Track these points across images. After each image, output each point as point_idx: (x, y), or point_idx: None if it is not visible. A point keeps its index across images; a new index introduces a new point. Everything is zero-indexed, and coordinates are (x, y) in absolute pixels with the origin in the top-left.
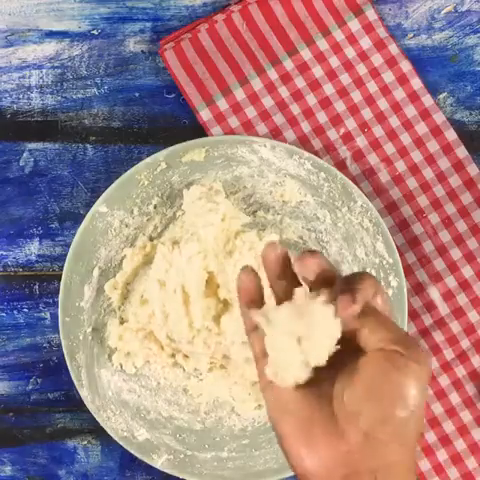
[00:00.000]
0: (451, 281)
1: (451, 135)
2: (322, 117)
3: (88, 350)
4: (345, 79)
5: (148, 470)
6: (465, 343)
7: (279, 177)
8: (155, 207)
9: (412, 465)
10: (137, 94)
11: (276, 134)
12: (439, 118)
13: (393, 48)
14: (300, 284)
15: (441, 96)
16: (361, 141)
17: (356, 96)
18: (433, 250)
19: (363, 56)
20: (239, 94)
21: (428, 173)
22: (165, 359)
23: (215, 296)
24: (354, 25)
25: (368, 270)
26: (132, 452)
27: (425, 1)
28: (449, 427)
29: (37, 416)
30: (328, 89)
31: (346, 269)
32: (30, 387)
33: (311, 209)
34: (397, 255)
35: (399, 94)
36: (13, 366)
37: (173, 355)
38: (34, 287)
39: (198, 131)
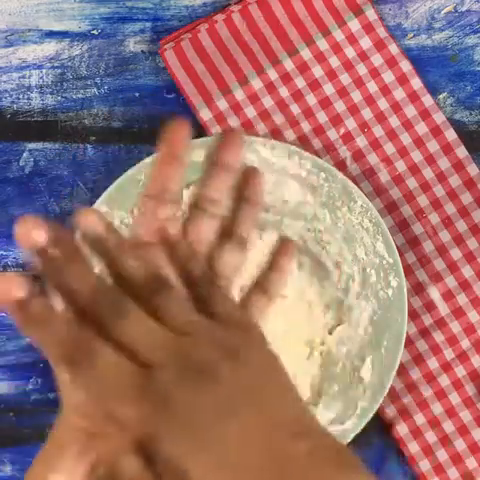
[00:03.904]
0: (451, 281)
1: (451, 135)
2: (322, 117)
3: None
4: (345, 79)
5: None
6: (465, 343)
7: (279, 177)
8: None
9: None
10: (137, 94)
11: (276, 134)
12: (439, 118)
13: (393, 48)
14: None
15: (441, 96)
16: (361, 141)
17: (356, 96)
18: (433, 250)
19: (363, 56)
20: (239, 94)
21: (428, 173)
22: None
23: None
24: (354, 25)
25: (368, 270)
26: None
27: (425, 1)
28: (449, 427)
29: (37, 416)
30: (328, 89)
31: (346, 269)
32: (30, 387)
33: (311, 209)
34: (397, 255)
35: (399, 94)
36: (13, 366)
37: None
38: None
39: (198, 131)
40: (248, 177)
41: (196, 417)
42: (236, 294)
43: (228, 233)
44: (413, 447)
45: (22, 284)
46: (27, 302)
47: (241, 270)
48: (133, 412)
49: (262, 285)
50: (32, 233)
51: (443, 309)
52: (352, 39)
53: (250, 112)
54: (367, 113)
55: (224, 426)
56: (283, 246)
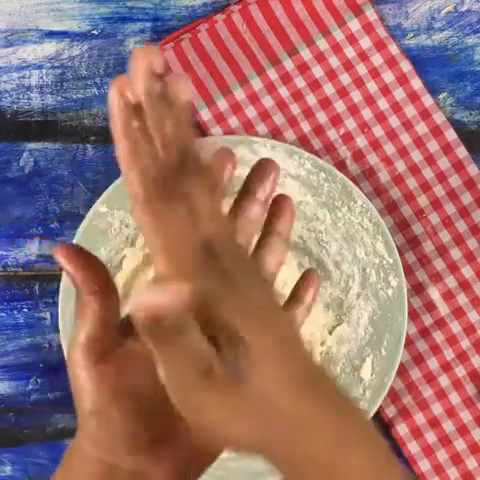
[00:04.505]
0: (451, 281)
1: (451, 135)
2: (322, 117)
3: None
4: (345, 79)
5: None
6: (465, 343)
7: (279, 177)
8: None
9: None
10: None
11: (276, 134)
12: (439, 118)
13: (393, 48)
14: None
15: (441, 96)
16: (361, 141)
17: (356, 96)
18: (433, 250)
19: (363, 56)
20: (239, 94)
21: (428, 173)
22: None
23: None
24: (354, 25)
25: (368, 270)
26: None
27: (425, 1)
28: (449, 427)
29: (37, 416)
30: (328, 89)
31: (346, 269)
32: (30, 387)
33: (311, 209)
34: (397, 255)
35: (399, 94)
36: (13, 366)
37: None
38: (34, 287)
39: (198, 131)
40: (279, 208)
41: (254, 293)
42: None
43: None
44: (413, 447)
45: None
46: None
47: None
48: (200, 279)
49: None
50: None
51: (443, 309)
52: (352, 39)
53: (250, 112)
54: (367, 113)
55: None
56: (307, 278)
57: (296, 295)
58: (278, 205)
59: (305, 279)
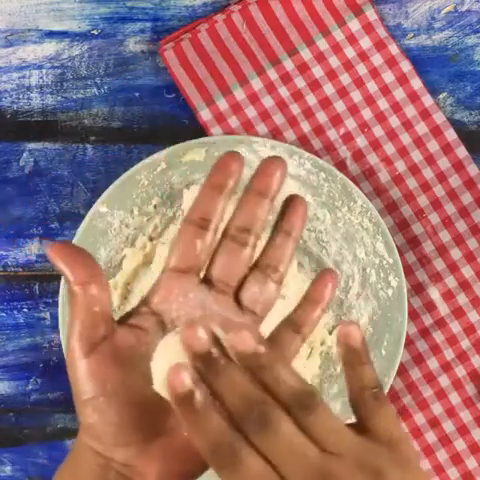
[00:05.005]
0: (451, 281)
1: (451, 135)
2: (322, 117)
3: None
4: (345, 79)
5: None
6: (465, 343)
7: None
8: (155, 207)
9: None
10: (137, 94)
11: (276, 134)
12: (439, 118)
13: (393, 48)
14: None
15: (441, 96)
16: (361, 141)
17: (356, 96)
18: (433, 250)
19: (363, 56)
20: (239, 94)
21: (428, 173)
22: None
23: None
24: (354, 25)
25: (368, 270)
26: None
27: (425, 1)
28: (449, 427)
29: (37, 416)
30: (328, 89)
31: (346, 269)
32: (30, 387)
33: (311, 209)
34: (397, 255)
35: (399, 94)
36: (13, 366)
37: None
38: (34, 287)
39: (198, 131)
40: (289, 207)
41: None
42: (268, 332)
43: (260, 265)
44: None
45: (187, 378)
46: (191, 395)
47: (273, 305)
48: None
49: (295, 322)
50: (199, 336)
51: (443, 309)
52: (352, 39)
53: (250, 112)
54: (367, 113)
55: None
56: (324, 276)
57: (313, 291)
58: (288, 204)
59: (324, 276)
